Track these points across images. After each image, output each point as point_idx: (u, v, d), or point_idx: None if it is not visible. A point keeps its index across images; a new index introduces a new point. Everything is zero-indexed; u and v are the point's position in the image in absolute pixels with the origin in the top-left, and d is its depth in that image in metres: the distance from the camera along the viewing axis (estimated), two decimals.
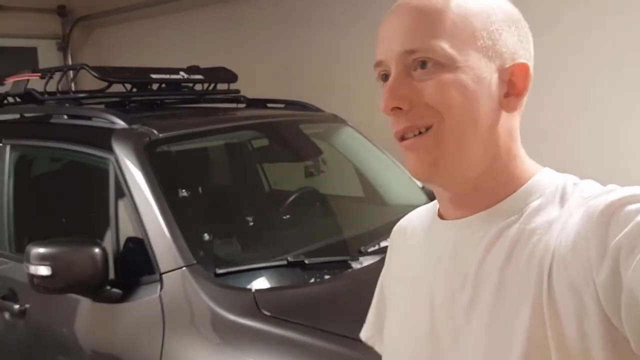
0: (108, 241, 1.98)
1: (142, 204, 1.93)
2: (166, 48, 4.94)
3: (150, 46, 5.16)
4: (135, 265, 1.91)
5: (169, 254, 1.82)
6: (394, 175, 2.77)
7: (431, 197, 2.60)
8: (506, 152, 0.73)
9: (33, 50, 5.96)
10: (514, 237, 0.70)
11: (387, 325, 0.88)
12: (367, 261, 1.99)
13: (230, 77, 3.03)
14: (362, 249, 2.05)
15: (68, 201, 2.34)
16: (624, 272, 0.58)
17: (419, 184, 2.75)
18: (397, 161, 2.79)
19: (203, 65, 3.05)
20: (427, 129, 0.70)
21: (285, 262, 1.90)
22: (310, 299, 1.79)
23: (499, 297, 0.68)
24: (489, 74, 0.71)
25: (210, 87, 2.94)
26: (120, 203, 2.01)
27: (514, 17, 0.74)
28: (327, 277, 1.89)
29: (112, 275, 1.88)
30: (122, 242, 1.98)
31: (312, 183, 2.58)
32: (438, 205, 0.82)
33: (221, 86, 2.99)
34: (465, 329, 0.71)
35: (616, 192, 0.65)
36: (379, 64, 0.75)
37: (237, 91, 3.04)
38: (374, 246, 2.09)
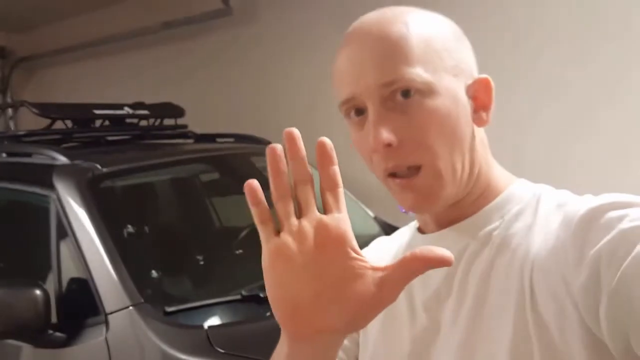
0: (50, 283, 1.88)
1: (85, 242, 1.84)
2: (110, 87, 4.85)
3: (93, 86, 5.07)
4: (79, 307, 1.81)
5: (114, 293, 1.73)
6: (346, 206, 2.75)
7: (383, 226, 2.61)
8: (485, 164, 0.74)
9: None
10: (495, 245, 0.70)
11: (364, 348, 0.84)
12: None
13: (177, 112, 2.99)
14: None
15: (7, 242, 2.21)
16: (605, 281, 0.57)
17: (371, 214, 2.75)
18: (348, 192, 2.78)
19: (150, 102, 3.00)
20: (418, 167, 0.69)
21: (239, 297, 1.84)
22: (267, 333, 1.71)
23: (481, 305, 0.68)
24: (461, 93, 0.70)
25: (157, 123, 2.89)
26: (63, 242, 1.91)
27: (459, 32, 0.74)
28: None
29: (54, 318, 1.77)
30: (64, 283, 1.87)
31: None
32: (417, 222, 0.82)
33: (168, 122, 2.95)
34: (449, 340, 0.70)
35: (596, 198, 0.65)
36: (348, 101, 0.71)
37: (185, 126, 2.99)
38: None
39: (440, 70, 0.68)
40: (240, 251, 2.29)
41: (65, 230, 1.90)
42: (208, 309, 1.80)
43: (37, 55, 5.52)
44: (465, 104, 0.71)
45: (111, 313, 1.70)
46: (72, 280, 1.86)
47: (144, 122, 2.85)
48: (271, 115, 3.86)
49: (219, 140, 2.89)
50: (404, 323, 0.76)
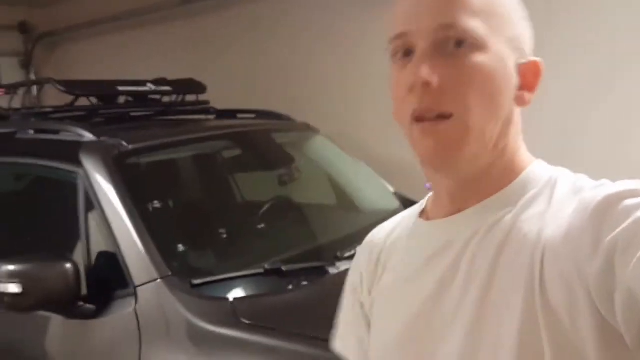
0: (79, 256, 1.94)
1: (113, 216, 1.89)
2: (132, 64, 4.88)
3: (116, 62, 5.10)
4: (108, 279, 1.87)
5: (142, 266, 1.79)
6: (366, 181, 2.78)
7: (404, 202, 2.63)
8: (513, 144, 0.73)
9: None
10: (506, 230, 0.68)
11: (374, 335, 0.83)
12: (343, 266, 1.98)
13: (199, 88, 3.01)
14: (339, 254, 2.04)
15: (37, 217, 2.28)
16: (620, 269, 0.57)
17: (392, 189, 2.77)
18: (368, 167, 2.80)
19: (171, 77, 3.02)
20: (449, 116, 0.67)
21: (262, 270, 1.88)
22: (289, 306, 1.77)
23: (489, 290, 0.67)
24: (511, 65, 0.70)
25: (179, 99, 2.92)
26: (91, 217, 1.97)
27: (525, 13, 0.74)
28: (304, 283, 1.88)
29: (84, 290, 1.84)
30: (93, 257, 1.93)
31: (285, 192, 2.57)
32: (419, 208, 0.82)
33: (190, 99, 2.97)
34: (454, 326, 0.69)
35: (613, 185, 0.65)
36: (400, 36, 0.70)
37: (207, 102, 3.02)
38: (350, 251, 2.09)
39: (497, 34, 0.68)
40: (262, 226, 2.34)
41: (93, 206, 1.95)
42: (233, 282, 1.85)
43: (59, 31, 5.56)
44: (511, 77, 0.70)
45: (140, 285, 1.76)
46: (101, 254, 1.92)
47: (166, 98, 2.89)
48: (293, 91, 3.87)
49: (239, 116, 2.92)
50: (410, 317, 0.75)
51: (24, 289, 1.74)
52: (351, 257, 1.99)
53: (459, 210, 0.73)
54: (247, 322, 1.64)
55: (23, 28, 5.81)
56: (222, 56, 4.38)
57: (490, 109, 0.68)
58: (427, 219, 0.79)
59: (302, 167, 2.67)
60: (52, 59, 5.95)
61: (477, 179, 0.72)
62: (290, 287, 1.86)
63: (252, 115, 2.92)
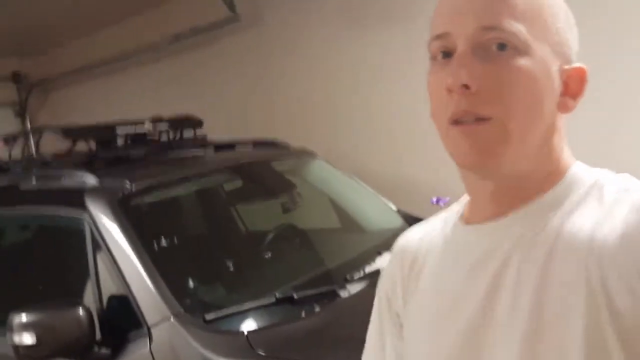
0: (91, 301, 1.94)
1: (121, 259, 1.91)
2: (125, 105, 4.93)
3: (109, 104, 5.15)
4: (121, 322, 1.88)
5: (154, 306, 1.80)
6: (368, 201, 2.80)
7: (407, 219, 2.64)
8: (557, 149, 0.71)
9: None
10: (555, 234, 0.66)
11: (413, 348, 0.79)
12: (354, 289, 1.99)
13: (196, 123, 3.04)
14: (348, 276, 2.05)
15: (46, 266, 2.29)
16: None
17: (394, 207, 2.79)
18: (367, 186, 2.82)
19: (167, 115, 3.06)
20: (487, 119, 0.66)
21: (273, 300, 1.89)
22: (304, 333, 1.78)
23: (543, 298, 0.64)
24: (554, 70, 0.68)
25: (177, 136, 2.94)
26: (99, 261, 1.98)
27: (571, 17, 0.72)
28: (317, 309, 1.88)
29: (98, 335, 1.84)
30: (105, 301, 1.94)
31: (289, 219, 2.58)
32: (454, 212, 0.79)
33: (187, 133, 3.00)
34: (507, 337, 0.66)
35: None
36: (440, 36, 0.68)
37: (204, 136, 3.04)
38: (359, 273, 2.10)
39: (542, 39, 0.67)
40: (269, 255, 2.35)
41: (100, 249, 1.97)
42: (245, 314, 1.86)
43: (51, 78, 5.63)
44: (555, 83, 0.68)
45: (153, 325, 1.77)
46: (112, 297, 1.93)
47: (164, 136, 2.91)
48: (286, 118, 3.90)
49: (238, 147, 2.94)
50: (456, 327, 0.71)
51: (38, 338, 1.75)
52: (361, 279, 2.03)
53: (501, 214, 0.71)
54: (263, 353, 1.64)
55: (16, 78, 5.88)
56: (215, 88, 4.43)
57: (531, 115, 0.67)
58: (466, 223, 0.76)
59: (304, 192, 2.69)
60: (46, 106, 6.01)
61: (519, 182, 0.70)
62: (303, 314, 1.87)
63: (250, 146, 2.94)
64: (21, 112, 5.94)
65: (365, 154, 3.55)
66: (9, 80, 5.87)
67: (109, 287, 1.94)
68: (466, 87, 0.65)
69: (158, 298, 1.80)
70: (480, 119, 0.66)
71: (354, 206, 2.79)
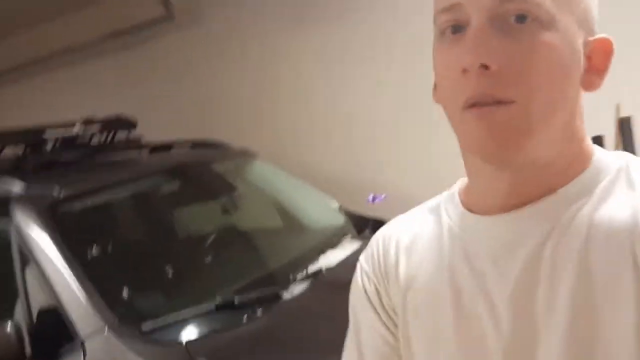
0: (19, 316, 1.84)
1: (50, 269, 1.82)
2: (63, 103, 4.73)
3: (47, 104, 4.92)
4: (53, 336, 1.78)
5: (87, 317, 1.72)
6: (309, 200, 2.78)
7: (349, 216, 2.64)
8: (580, 131, 0.65)
9: None
10: (588, 222, 0.61)
11: (425, 349, 0.70)
12: (297, 290, 1.97)
13: (129, 124, 2.94)
14: (291, 277, 2.02)
15: None
16: None
17: (336, 205, 2.77)
18: (306, 184, 2.80)
19: (100, 115, 2.94)
20: (509, 102, 0.58)
21: (213, 306, 1.84)
22: (247, 339, 1.74)
23: (584, 289, 0.59)
24: (578, 44, 0.61)
25: (109, 138, 2.84)
26: (28, 273, 1.88)
27: None
28: (259, 313, 1.85)
29: (28, 351, 1.74)
30: (35, 315, 1.84)
31: (229, 221, 2.53)
32: (453, 203, 0.71)
33: (120, 135, 2.89)
34: (547, 331, 0.60)
35: None
36: (450, 8, 0.60)
37: (138, 139, 2.95)
38: (302, 273, 2.07)
39: (566, 10, 0.60)
40: (209, 258, 2.29)
41: (28, 261, 1.87)
42: (184, 323, 1.80)
43: None
44: (579, 57, 0.61)
45: (87, 338, 1.69)
46: (42, 310, 1.84)
47: (95, 138, 2.80)
48: (225, 118, 3.84)
49: (175, 148, 2.87)
50: (484, 326, 0.64)
51: None
52: (304, 279, 2.00)
53: (521, 204, 0.64)
54: None
55: None
56: (150, 88, 4.31)
57: (556, 96, 0.60)
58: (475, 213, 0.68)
59: (244, 193, 2.65)
60: None
61: (543, 170, 0.63)
62: (245, 319, 1.82)
63: (187, 147, 2.87)
64: None
65: (306, 154, 3.53)
66: None
67: (39, 300, 1.84)
68: (485, 66, 0.57)
69: (90, 309, 1.72)
70: (501, 102, 0.58)
71: (296, 205, 2.77)
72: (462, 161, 0.68)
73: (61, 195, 2.03)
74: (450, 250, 0.69)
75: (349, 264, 2.10)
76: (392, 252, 0.74)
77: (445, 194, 0.74)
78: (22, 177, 2.16)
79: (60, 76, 4.90)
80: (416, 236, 0.73)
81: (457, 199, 0.71)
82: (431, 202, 0.76)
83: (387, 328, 0.73)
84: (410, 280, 0.71)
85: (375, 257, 0.76)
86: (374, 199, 2.52)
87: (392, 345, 0.73)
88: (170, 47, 4.21)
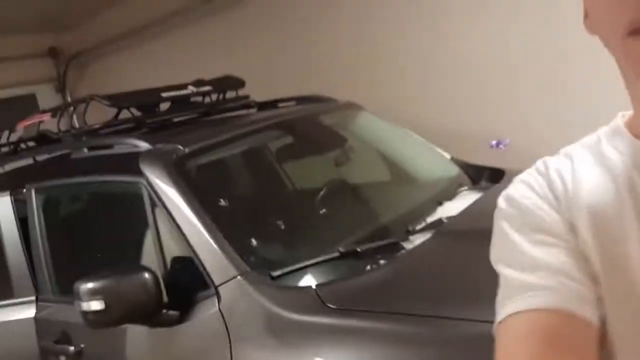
0: (154, 265, 1.94)
1: (182, 221, 1.89)
2: (163, 71, 4.91)
3: (148, 70, 5.13)
4: (187, 284, 1.87)
5: (220, 265, 1.78)
6: (420, 152, 2.72)
7: (463, 167, 2.56)
8: None
9: (32, 97, 5.95)
10: None
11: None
12: (418, 240, 1.94)
13: (238, 83, 2.99)
14: (410, 228, 2.00)
15: (105, 233, 2.30)
16: None
17: (448, 155, 2.70)
18: (419, 136, 2.74)
19: (207, 77, 3.01)
20: None
21: (337, 254, 1.86)
22: (373, 286, 1.74)
23: None
24: None
25: (219, 98, 2.90)
26: (160, 224, 1.97)
27: None
28: (382, 262, 1.84)
29: (165, 298, 1.84)
30: (169, 263, 1.94)
31: (341, 173, 2.53)
32: (624, 138, 0.64)
33: (230, 94, 2.95)
34: None
35: None
36: None
37: (247, 96, 3.00)
38: (421, 224, 2.04)
39: None
40: (326, 210, 2.31)
41: (160, 213, 1.95)
42: (310, 269, 1.83)
43: (87, 50, 5.64)
44: None
45: (221, 284, 1.76)
46: (176, 260, 1.93)
47: (206, 99, 2.87)
48: (328, 73, 3.82)
49: (281, 105, 2.89)
50: None
51: (106, 304, 1.75)
52: (424, 229, 1.97)
53: None
54: (334, 307, 1.62)
55: (53, 53, 5.91)
56: (248, 49, 4.36)
57: None
58: None
59: (354, 145, 2.63)
60: (85, 79, 6.03)
61: None
62: (369, 267, 1.83)
63: (293, 103, 2.88)
64: (61, 88, 5.98)
65: (420, 105, 3.45)
66: (47, 56, 5.90)
67: (172, 250, 1.93)
68: None
69: (223, 258, 1.78)
70: None
71: (407, 157, 2.72)
72: (579, 105, 0.61)
73: (185, 151, 2.10)
74: (628, 182, 0.62)
75: (473, 213, 2.06)
76: (557, 183, 0.66)
77: (602, 131, 0.68)
78: (143, 137, 2.25)
79: (162, 43, 5.07)
80: (578, 171, 0.66)
81: (624, 131, 0.64)
82: (586, 141, 0.68)
83: (562, 250, 0.63)
84: (585, 214, 0.63)
85: (538, 187, 0.67)
86: (497, 143, 2.42)
87: (567, 262, 0.62)
88: (267, 4, 4.22)
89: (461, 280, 1.62)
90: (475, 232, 1.94)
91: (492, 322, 0.62)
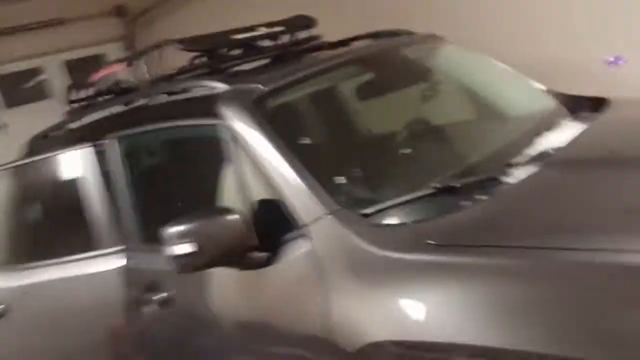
0: (241, 207, 1.88)
1: (267, 161, 1.82)
2: (234, 20, 4.80)
3: (216, 23, 5.04)
4: (275, 224, 1.80)
5: (309, 204, 1.70)
6: (513, 85, 2.53)
7: (561, 99, 2.36)
8: None
9: (101, 57, 6.03)
10: None
11: None
12: (521, 174, 1.78)
13: (309, 22, 2.86)
14: (512, 162, 1.84)
15: (188, 178, 2.27)
16: None
17: (543, 87, 2.50)
18: (512, 69, 2.54)
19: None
20: None
21: (432, 190, 1.73)
22: (475, 222, 1.61)
23: None
24: None
25: (291, 39, 2.78)
26: (244, 165, 1.90)
27: None
28: (483, 197, 1.70)
29: (256, 240, 1.78)
30: (255, 205, 1.87)
31: (429, 109, 2.38)
32: None
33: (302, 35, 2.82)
34: None
35: None
36: None
37: (319, 36, 2.87)
38: (523, 158, 1.88)
39: None
40: (416, 147, 2.18)
41: (243, 154, 1.89)
42: (404, 207, 1.72)
43: (153, 7, 5.62)
44: None
45: (311, 224, 1.68)
46: (262, 201, 1.86)
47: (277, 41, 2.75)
48: (407, 6, 3.61)
49: (357, 42, 2.74)
50: None
51: (198, 246, 1.71)
52: (527, 163, 1.81)
53: None
54: (434, 243, 1.51)
55: (119, 12, 5.93)
56: None
57: None
58: None
59: (441, 79, 2.46)
60: (154, 36, 6.04)
61: None
62: (469, 203, 1.69)
63: (369, 40, 2.72)
64: (130, 45, 6.02)
65: (512, 41, 3.21)
66: (114, 15, 5.94)
67: (258, 191, 1.86)
68: None
69: (311, 196, 1.70)
70: None
71: (498, 91, 2.53)
72: None
73: (264, 89, 2.01)
74: None
75: (584, 143, 1.88)
76: None
77: None
78: (221, 78, 2.18)
79: None
80: None
81: None
82: None
83: None
84: None
85: None
86: (616, 60, 2.20)
87: None
88: None
89: (581, 210, 1.47)
90: (592, 161, 1.78)
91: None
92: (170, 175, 2.37)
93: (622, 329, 1.14)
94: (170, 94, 2.31)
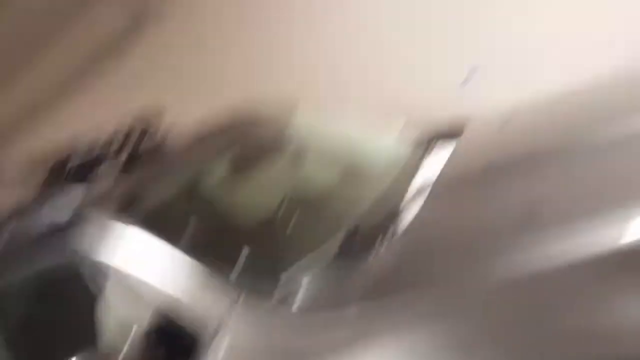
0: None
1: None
2: None
3: None
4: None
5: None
6: (367, 139, 2.55)
7: (416, 135, 2.37)
8: None
9: None
10: None
11: None
12: (407, 217, 1.75)
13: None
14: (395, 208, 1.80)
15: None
16: None
17: (397, 129, 2.53)
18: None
19: None
20: None
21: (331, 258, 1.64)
22: (381, 278, 1.53)
23: None
24: None
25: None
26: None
27: None
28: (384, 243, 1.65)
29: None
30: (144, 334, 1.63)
31: (295, 183, 2.29)
32: None
33: None
34: None
35: None
36: None
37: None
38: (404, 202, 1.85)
39: None
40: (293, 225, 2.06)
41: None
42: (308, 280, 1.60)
43: None
44: None
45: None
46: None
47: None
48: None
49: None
50: None
51: None
52: (408, 205, 1.77)
53: None
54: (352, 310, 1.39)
55: None
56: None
57: None
58: None
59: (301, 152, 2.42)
60: None
61: None
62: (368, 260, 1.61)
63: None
64: None
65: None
66: None
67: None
68: None
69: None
70: None
71: (356, 150, 2.52)
72: None
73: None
74: None
75: (451, 171, 1.90)
76: None
77: None
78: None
79: None
80: None
81: None
82: None
83: None
84: None
85: None
86: (469, 75, 2.20)
87: None
88: None
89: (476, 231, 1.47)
90: (466, 182, 1.80)
91: None
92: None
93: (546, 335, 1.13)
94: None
